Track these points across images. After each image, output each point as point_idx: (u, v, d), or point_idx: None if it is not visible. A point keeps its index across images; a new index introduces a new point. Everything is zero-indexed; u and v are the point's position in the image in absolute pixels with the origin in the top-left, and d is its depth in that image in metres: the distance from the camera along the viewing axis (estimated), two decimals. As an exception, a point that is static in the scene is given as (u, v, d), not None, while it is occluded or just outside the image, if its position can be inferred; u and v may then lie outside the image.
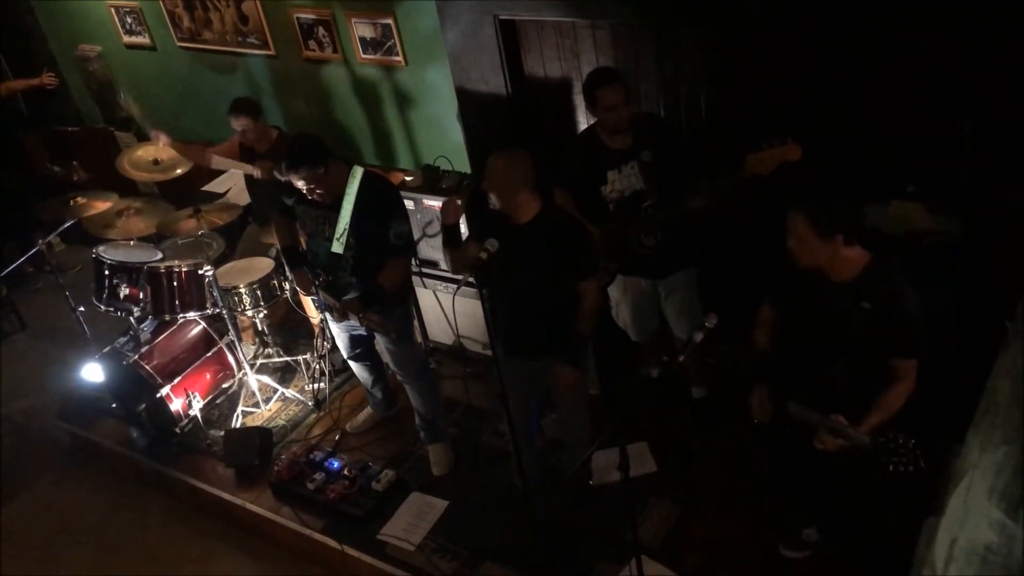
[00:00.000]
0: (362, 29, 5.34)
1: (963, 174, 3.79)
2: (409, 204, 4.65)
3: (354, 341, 4.61)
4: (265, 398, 5.23)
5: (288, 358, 5.41)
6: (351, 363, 4.79)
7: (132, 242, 5.30)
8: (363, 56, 5.45)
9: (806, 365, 3.16)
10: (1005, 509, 1.91)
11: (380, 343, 4.49)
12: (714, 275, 4.37)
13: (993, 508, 1.95)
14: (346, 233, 4.08)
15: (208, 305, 4.97)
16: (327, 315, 4.49)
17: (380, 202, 4.11)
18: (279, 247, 4.55)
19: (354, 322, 4.21)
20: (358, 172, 4.11)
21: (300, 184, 3.98)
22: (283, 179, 4.03)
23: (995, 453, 1.98)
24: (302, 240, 4.42)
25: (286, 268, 4.66)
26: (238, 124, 5.04)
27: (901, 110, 3.83)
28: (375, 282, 4.11)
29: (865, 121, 3.92)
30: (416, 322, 5.13)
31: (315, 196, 4.04)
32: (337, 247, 4.10)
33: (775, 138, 3.50)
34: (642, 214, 3.98)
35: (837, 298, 3.01)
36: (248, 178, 5.30)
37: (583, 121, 4.85)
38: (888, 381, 3.01)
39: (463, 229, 4.21)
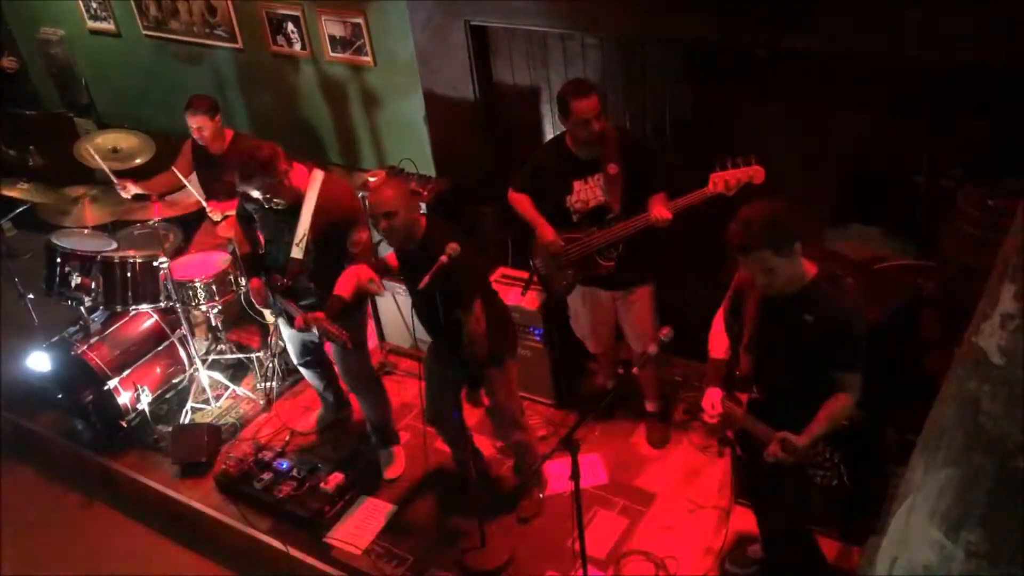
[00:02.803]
0: (332, 27, 5.31)
1: (920, 203, 3.87)
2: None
3: (305, 348, 4.56)
4: (216, 395, 5.16)
5: (241, 355, 5.34)
6: (302, 369, 4.75)
7: (86, 230, 5.20)
8: (332, 54, 5.42)
9: (755, 374, 3.19)
10: (945, 530, 1.95)
11: (332, 350, 4.43)
12: (672, 291, 4.39)
13: (933, 529, 1.98)
14: (306, 239, 4.05)
15: (161, 298, 4.90)
16: (280, 320, 4.45)
17: (338, 209, 4.07)
18: (239, 253, 4.51)
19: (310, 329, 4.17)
20: (318, 177, 4.08)
21: (256, 195, 3.96)
22: (239, 190, 4.01)
23: (938, 475, 2.00)
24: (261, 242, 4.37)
25: (243, 276, 4.62)
26: (194, 122, 4.97)
27: (863, 140, 3.89)
28: (333, 293, 4.04)
29: (826, 149, 3.98)
30: (368, 327, 5.07)
31: (272, 205, 4.01)
32: (297, 252, 4.07)
33: (739, 158, 3.53)
34: (604, 226, 3.99)
35: (783, 310, 3.04)
36: (202, 171, 5.25)
37: (550, 130, 4.87)
38: (831, 393, 3.04)
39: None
